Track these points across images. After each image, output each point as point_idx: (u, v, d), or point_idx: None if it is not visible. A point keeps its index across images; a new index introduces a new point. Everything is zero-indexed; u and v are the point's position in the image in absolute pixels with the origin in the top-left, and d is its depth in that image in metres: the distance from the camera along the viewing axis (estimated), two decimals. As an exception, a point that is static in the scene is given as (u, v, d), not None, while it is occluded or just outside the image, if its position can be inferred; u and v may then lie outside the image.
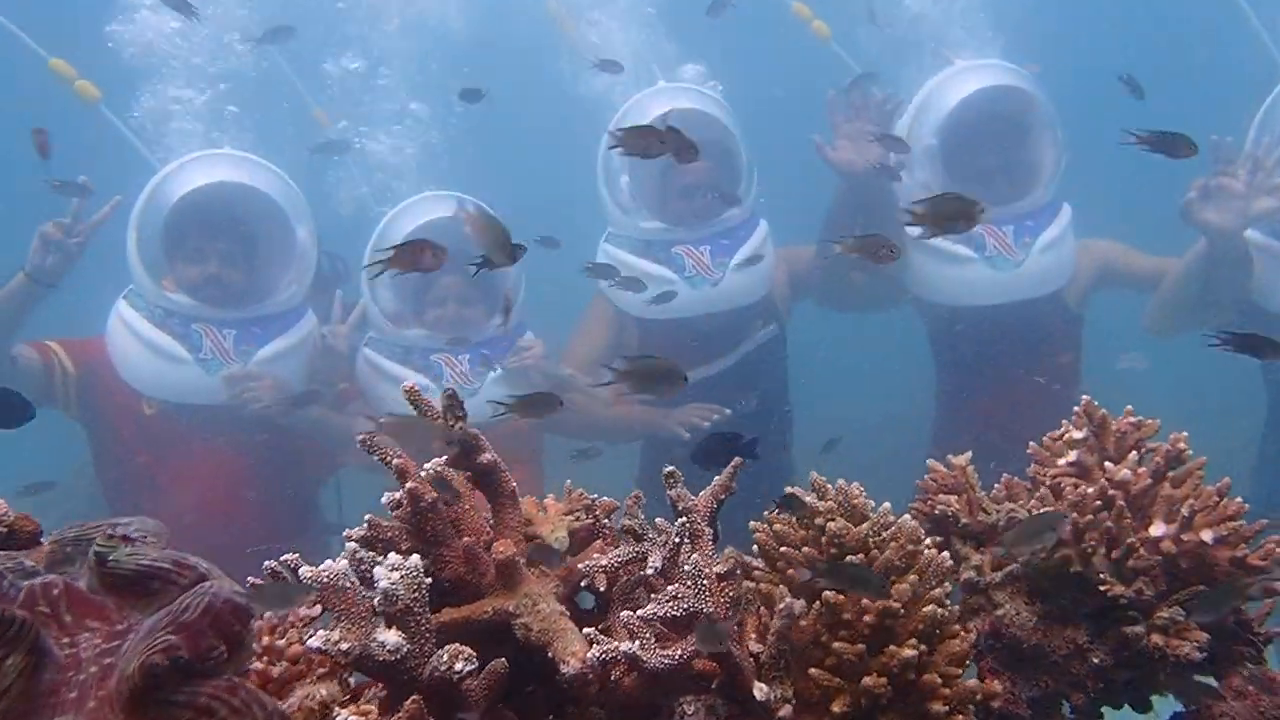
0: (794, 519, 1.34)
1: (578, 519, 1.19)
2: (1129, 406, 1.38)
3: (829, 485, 1.33)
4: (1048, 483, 1.35)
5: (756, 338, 3.52)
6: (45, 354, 3.19)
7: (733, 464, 1.30)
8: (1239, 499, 1.24)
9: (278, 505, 3.34)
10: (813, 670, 1.12)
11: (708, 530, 1.24)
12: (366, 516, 1.08)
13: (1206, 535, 1.19)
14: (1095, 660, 1.22)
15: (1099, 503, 1.24)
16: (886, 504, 1.33)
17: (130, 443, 3.22)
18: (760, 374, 3.55)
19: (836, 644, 1.14)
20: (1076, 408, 1.40)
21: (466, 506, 1.16)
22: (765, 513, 1.35)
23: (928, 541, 1.31)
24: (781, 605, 1.14)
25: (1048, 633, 1.26)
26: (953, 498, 1.39)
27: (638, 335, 3.57)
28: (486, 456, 1.10)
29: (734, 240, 3.46)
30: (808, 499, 1.32)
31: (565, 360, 3.53)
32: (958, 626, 1.25)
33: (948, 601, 1.26)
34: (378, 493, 1.21)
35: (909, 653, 1.11)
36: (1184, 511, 1.21)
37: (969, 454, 1.44)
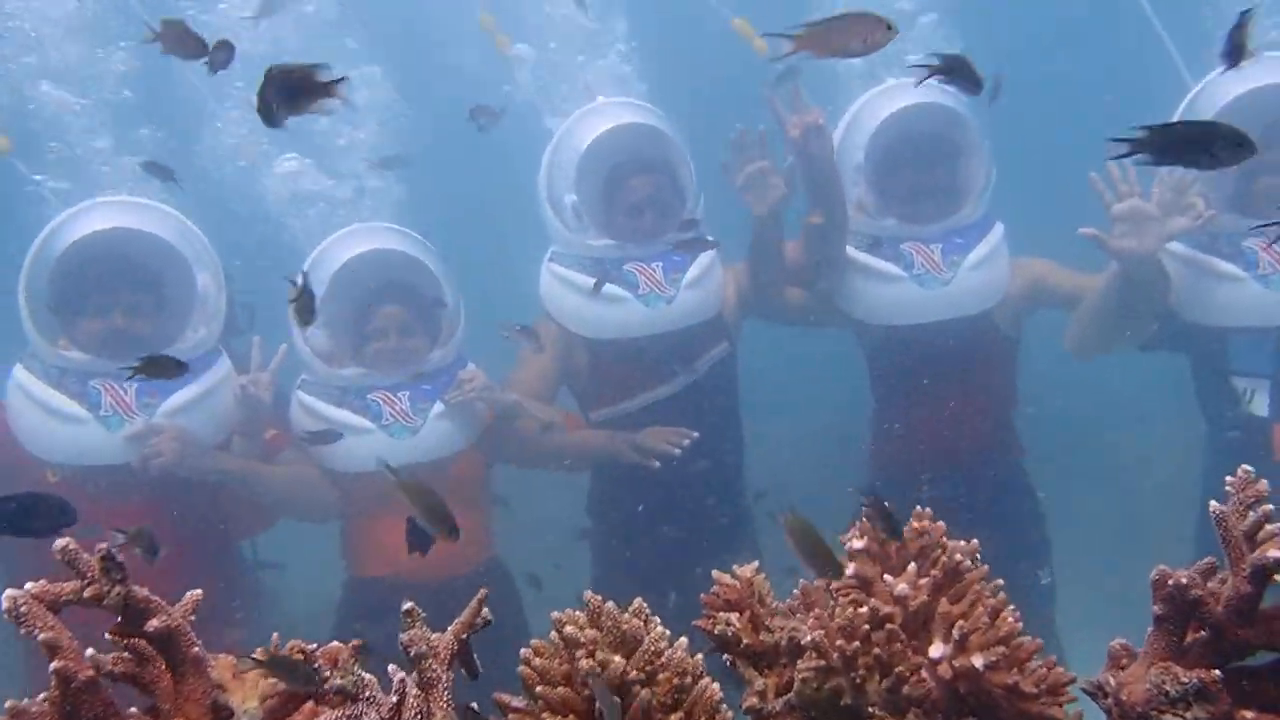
0: (560, 649, 1.23)
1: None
2: (918, 509, 1.31)
3: (602, 607, 1.22)
4: (834, 596, 1.27)
5: (709, 357, 3.46)
6: None
7: (478, 597, 1.19)
8: (1012, 616, 1.16)
9: (200, 568, 3.09)
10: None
11: (446, 676, 1.13)
12: (7, 703, 0.94)
13: (976, 661, 1.11)
14: (871, 799, 1.13)
15: (866, 626, 1.15)
16: (660, 630, 1.23)
17: None
18: (713, 395, 3.49)
19: (572, 809, 1.03)
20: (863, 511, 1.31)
21: (160, 669, 1.03)
22: (533, 642, 1.24)
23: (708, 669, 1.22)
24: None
25: (825, 767, 1.17)
26: (734, 615, 1.29)
27: (588, 358, 3.50)
28: (157, 622, 0.97)
29: (684, 257, 3.41)
30: (567, 629, 1.21)
31: (511, 386, 3.42)
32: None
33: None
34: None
35: (644, 819, 1.00)
36: (955, 634, 1.13)
37: (755, 564, 1.35)
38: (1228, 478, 1.18)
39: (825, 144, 3.21)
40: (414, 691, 1.08)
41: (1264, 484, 1.16)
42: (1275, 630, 1.07)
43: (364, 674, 1.05)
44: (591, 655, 1.18)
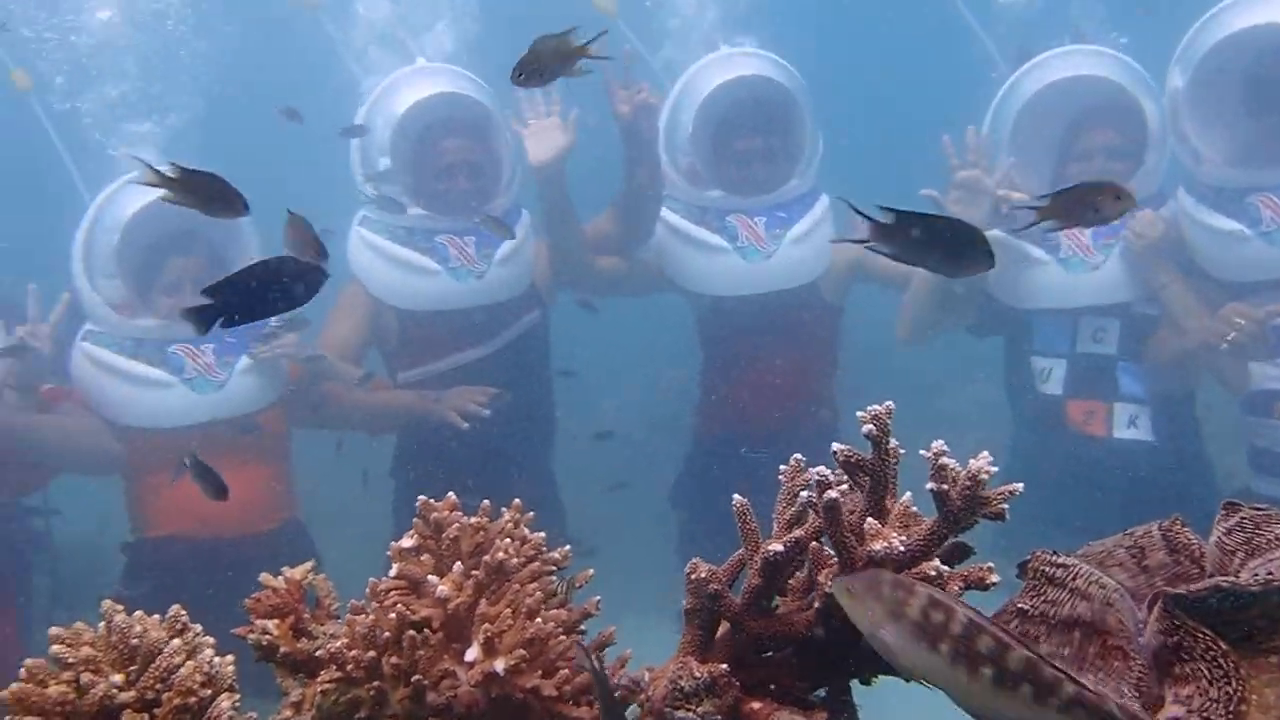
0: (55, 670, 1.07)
1: None
2: (485, 502, 1.24)
3: (87, 628, 1.07)
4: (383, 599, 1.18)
5: (520, 324, 3.45)
6: None
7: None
8: (547, 617, 1.11)
9: None
10: None
11: None
12: None
13: (498, 665, 1.05)
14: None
15: (388, 633, 1.07)
16: (177, 644, 1.10)
17: None
18: (524, 358, 3.47)
19: None
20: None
21: None
22: (28, 662, 1.08)
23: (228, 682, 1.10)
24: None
25: (343, 786, 1.08)
26: (273, 622, 1.18)
27: (397, 324, 3.41)
28: None
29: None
30: (53, 649, 1.06)
31: (320, 345, 3.31)
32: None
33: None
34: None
35: None
36: (481, 637, 1.07)
37: (310, 564, 1.24)
38: (780, 465, 1.19)
39: (654, 124, 3.24)
40: None
41: (810, 474, 1.16)
42: (785, 622, 1.07)
43: None
44: (76, 681, 1.03)
